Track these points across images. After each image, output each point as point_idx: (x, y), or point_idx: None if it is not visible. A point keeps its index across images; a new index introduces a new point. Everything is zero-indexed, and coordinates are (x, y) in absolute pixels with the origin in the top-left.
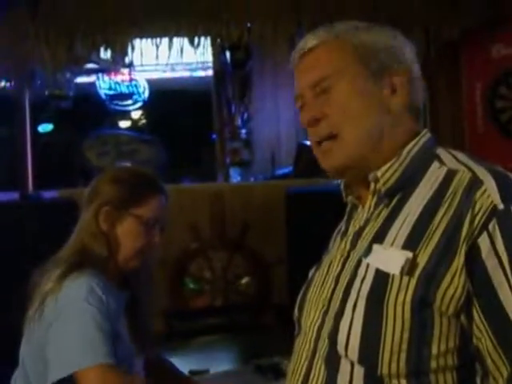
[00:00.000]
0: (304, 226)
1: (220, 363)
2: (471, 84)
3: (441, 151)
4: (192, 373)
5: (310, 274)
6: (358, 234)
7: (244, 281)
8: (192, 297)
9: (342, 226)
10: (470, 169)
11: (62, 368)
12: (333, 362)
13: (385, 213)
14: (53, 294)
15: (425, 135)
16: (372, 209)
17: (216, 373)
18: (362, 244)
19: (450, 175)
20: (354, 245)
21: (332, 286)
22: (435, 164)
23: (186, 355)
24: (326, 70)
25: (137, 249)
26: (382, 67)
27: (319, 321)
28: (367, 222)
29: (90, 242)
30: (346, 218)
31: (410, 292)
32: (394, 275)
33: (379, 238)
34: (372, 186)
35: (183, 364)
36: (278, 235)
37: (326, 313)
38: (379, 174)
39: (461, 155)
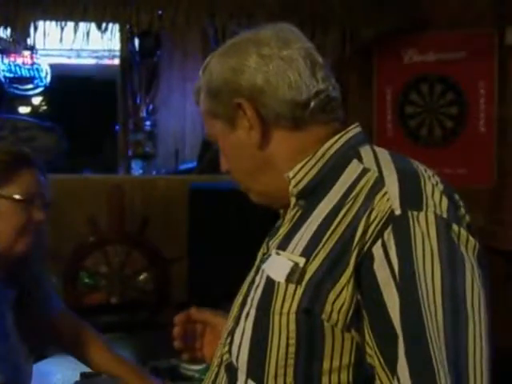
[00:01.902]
0: (206, 222)
1: None
2: (382, 88)
3: (364, 148)
4: (83, 375)
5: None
6: (272, 237)
7: (142, 277)
8: (87, 292)
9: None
10: (379, 168)
11: None
12: (232, 372)
13: (298, 215)
14: None
15: (350, 131)
16: (290, 211)
17: (110, 375)
18: (271, 248)
19: (362, 175)
20: (268, 248)
21: (244, 292)
22: (354, 162)
23: None
24: (206, 129)
25: (15, 230)
26: (229, 110)
27: (230, 327)
28: (282, 224)
29: None
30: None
31: (296, 302)
32: (279, 283)
33: (285, 242)
34: (290, 187)
35: (75, 365)
36: (179, 231)
37: (235, 319)
38: (291, 174)
39: (382, 153)
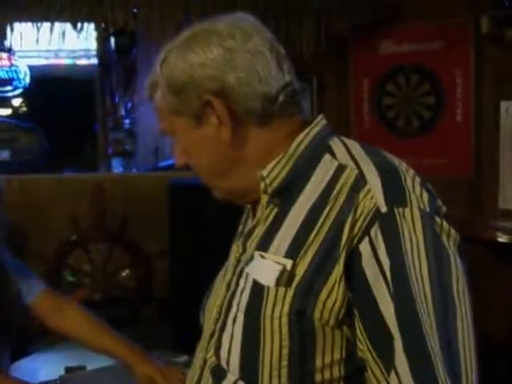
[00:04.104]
0: (186, 218)
1: (98, 359)
2: (359, 80)
3: (334, 142)
4: (68, 369)
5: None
6: (248, 237)
7: (124, 273)
8: (70, 290)
9: (240, 226)
10: (357, 165)
11: None
12: (218, 374)
13: (274, 214)
14: None
15: (317, 124)
16: (264, 209)
17: (93, 369)
18: (250, 249)
19: (339, 172)
20: (244, 248)
21: (223, 294)
22: (327, 157)
23: (62, 350)
24: (162, 125)
25: None
26: (196, 107)
27: (211, 330)
28: (257, 223)
29: None
30: (244, 217)
31: (287, 305)
32: (269, 287)
33: (265, 243)
34: (262, 185)
35: (59, 359)
36: (159, 227)
37: (217, 321)
38: (265, 172)
39: (353, 146)
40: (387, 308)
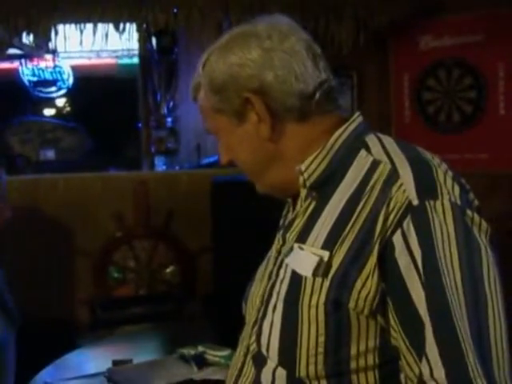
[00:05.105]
0: (229, 215)
1: (144, 353)
2: (399, 75)
3: (370, 138)
4: (115, 362)
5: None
6: (287, 229)
7: (169, 270)
8: (116, 286)
9: (282, 219)
10: (391, 160)
11: None
12: (259, 361)
13: (312, 207)
14: None
15: (354, 121)
16: (302, 202)
17: (139, 362)
18: (290, 240)
19: (374, 167)
20: (284, 240)
21: (265, 284)
22: (362, 152)
23: (109, 344)
24: (206, 124)
25: None
26: (236, 105)
27: (254, 318)
28: (296, 216)
29: None
30: (285, 211)
31: (323, 294)
32: (306, 277)
33: (304, 235)
34: (300, 179)
35: (107, 353)
36: (203, 224)
37: (259, 310)
38: (303, 167)
39: (389, 142)
40: (419, 297)
